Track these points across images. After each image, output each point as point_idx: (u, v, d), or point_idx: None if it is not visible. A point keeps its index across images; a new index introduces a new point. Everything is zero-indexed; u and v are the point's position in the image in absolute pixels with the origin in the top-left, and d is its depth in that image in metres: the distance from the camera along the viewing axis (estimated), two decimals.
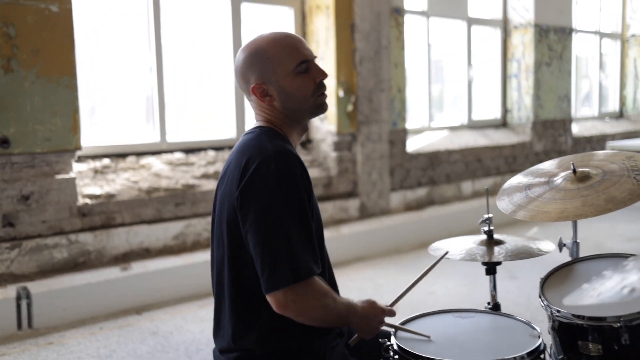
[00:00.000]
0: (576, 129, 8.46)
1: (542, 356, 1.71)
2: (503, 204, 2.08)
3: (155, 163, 4.79)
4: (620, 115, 9.78)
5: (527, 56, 7.48)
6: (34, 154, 4.04)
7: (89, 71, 4.58)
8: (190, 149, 5.05)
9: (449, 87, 7.50)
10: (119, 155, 4.71)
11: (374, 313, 1.75)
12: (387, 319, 1.80)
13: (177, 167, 4.86)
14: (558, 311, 1.78)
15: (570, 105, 8.09)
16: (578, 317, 1.74)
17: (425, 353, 1.69)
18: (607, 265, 1.92)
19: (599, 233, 6.38)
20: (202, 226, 4.77)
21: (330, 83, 5.51)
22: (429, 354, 1.69)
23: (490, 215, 2.10)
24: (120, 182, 4.52)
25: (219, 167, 5.03)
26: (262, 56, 1.75)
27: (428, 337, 1.81)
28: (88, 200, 4.31)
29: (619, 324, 1.66)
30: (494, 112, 7.67)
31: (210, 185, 4.83)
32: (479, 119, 7.43)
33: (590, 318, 1.73)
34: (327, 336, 1.76)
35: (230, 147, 5.25)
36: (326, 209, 5.45)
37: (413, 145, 6.37)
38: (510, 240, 2.14)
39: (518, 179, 2.17)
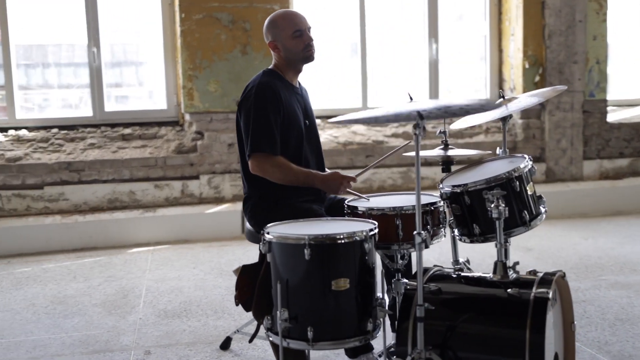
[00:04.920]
0: None
1: (433, 211, 2.53)
2: None
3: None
4: None
5: None
6: None
7: None
8: None
9: None
10: (326, 116, 6.12)
11: (334, 179, 2.75)
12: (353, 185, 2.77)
13: (371, 128, 6.08)
14: (442, 188, 2.57)
15: None
16: (443, 187, 2.53)
17: (358, 204, 2.64)
18: (495, 164, 2.64)
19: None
20: (386, 175, 5.91)
21: (518, 56, 6.11)
22: (358, 204, 2.64)
23: (446, 130, 2.89)
24: (325, 136, 5.92)
25: (400, 130, 6.10)
26: (274, 25, 2.94)
27: (367, 199, 2.74)
28: None
29: (460, 190, 2.40)
30: None
31: (397, 142, 5.93)
32: None
33: (450, 186, 2.51)
34: (299, 192, 2.82)
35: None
36: None
37: (616, 116, 6.49)
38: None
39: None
